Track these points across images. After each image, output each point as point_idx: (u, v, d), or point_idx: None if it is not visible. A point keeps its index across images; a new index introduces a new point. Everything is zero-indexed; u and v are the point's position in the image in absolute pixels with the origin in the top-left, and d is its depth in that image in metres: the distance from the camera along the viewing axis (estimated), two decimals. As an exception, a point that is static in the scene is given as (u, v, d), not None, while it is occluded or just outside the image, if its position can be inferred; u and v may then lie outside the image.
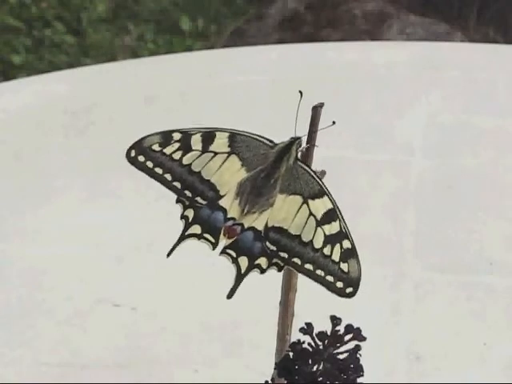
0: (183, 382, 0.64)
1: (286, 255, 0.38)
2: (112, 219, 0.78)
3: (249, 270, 0.38)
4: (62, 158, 0.85)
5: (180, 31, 1.73)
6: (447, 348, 0.67)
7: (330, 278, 0.37)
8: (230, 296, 0.38)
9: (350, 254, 0.38)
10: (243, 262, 0.38)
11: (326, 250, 0.38)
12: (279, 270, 0.39)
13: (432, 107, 0.90)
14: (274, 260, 0.38)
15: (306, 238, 0.38)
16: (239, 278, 0.38)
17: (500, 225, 0.77)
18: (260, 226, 0.39)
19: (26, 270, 0.73)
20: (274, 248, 0.38)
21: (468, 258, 0.74)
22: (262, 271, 0.38)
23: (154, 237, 0.75)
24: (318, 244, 0.38)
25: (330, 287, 0.38)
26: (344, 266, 0.37)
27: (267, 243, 0.38)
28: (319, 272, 0.38)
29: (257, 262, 0.38)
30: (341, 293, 0.37)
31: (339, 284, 0.37)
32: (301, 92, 0.39)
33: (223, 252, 0.39)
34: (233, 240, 0.39)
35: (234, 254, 0.39)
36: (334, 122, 0.39)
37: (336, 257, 0.37)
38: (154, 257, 0.73)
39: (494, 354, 0.66)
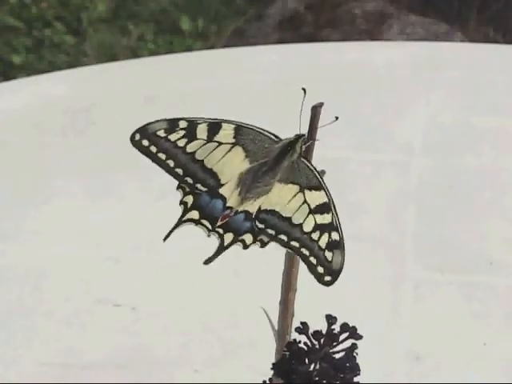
0: (183, 382, 0.64)
1: (273, 232, 0.38)
2: (112, 219, 0.78)
3: (232, 243, 0.39)
4: (62, 158, 0.85)
5: (180, 31, 1.73)
6: (447, 348, 0.66)
7: (313, 260, 0.38)
8: (207, 262, 0.39)
9: (337, 245, 0.38)
10: (228, 237, 0.39)
11: (315, 235, 0.38)
12: (262, 247, 0.39)
13: (432, 107, 0.90)
14: (260, 237, 0.39)
15: (296, 221, 0.38)
16: (220, 249, 0.39)
17: (500, 225, 0.77)
18: (252, 210, 0.39)
19: (26, 270, 0.73)
20: (263, 226, 0.39)
21: (468, 258, 0.74)
22: (245, 247, 0.39)
23: (154, 237, 0.75)
24: (307, 228, 0.38)
25: (311, 269, 0.38)
26: (328, 255, 0.38)
27: (256, 222, 0.39)
28: (304, 251, 0.38)
29: (241, 237, 0.39)
30: (320, 278, 0.38)
31: (320, 269, 0.38)
32: (304, 89, 0.40)
33: (212, 230, 0.39)
34: (224, 221, 0.39)
35: (221, 231, 0.39)
36: (336, 118, 0.39)
37: (323, 244, 0.38)
38: (154, 257, 0.73)
39: (494, 354, 0.66)
